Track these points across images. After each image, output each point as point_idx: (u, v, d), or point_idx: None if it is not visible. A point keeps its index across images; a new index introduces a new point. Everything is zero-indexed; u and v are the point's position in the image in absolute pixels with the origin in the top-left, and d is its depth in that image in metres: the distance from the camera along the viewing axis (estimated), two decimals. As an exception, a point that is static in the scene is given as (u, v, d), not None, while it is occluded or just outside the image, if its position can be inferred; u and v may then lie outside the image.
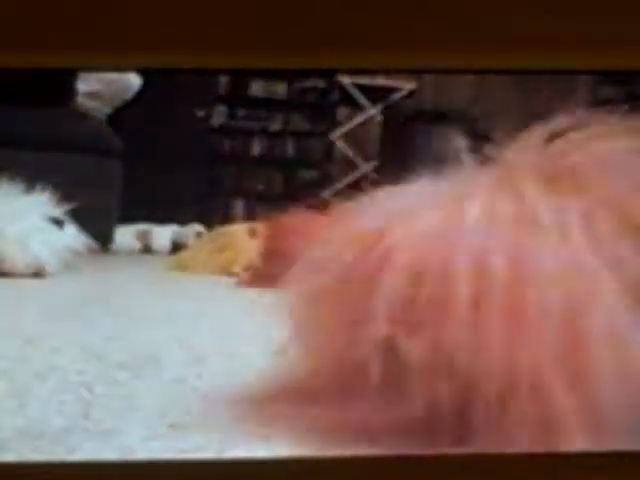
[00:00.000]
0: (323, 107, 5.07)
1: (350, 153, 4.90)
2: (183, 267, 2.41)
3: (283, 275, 0.79)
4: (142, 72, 3.18)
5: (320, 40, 0.54)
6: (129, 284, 2.11)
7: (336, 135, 4.92)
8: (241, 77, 5.08)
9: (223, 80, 5.09)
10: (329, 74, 4.84)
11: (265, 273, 1.90)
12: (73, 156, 2.92)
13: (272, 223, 2.12)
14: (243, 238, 2.39)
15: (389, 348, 0.65)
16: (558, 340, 0.61)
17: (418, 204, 0.74)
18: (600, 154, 0.71)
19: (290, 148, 5.19)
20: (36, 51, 0.54)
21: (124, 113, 3.36)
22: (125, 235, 3.20)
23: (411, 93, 4.84)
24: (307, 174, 5.14)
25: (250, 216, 4.49)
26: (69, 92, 3.08)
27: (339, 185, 4.88)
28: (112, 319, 1.42)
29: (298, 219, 1.98)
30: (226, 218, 4.43)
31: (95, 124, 3.15)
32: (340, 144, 4.93)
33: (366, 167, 4.82)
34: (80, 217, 2.18)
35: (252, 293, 1.82)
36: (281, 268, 0.75)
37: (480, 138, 2.89)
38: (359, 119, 4.89)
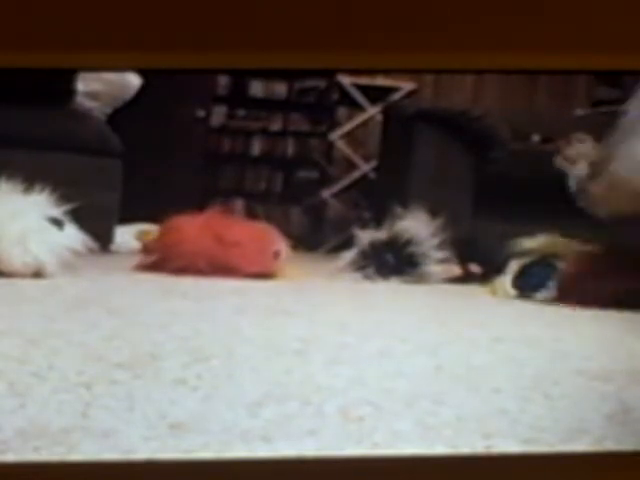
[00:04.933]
0: (323, 107, 5.06)
1: (350, 153, 4.89)
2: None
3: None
4: (142, 72, 3.18)
5: (320, 40, 0.54)
6: (129, 284, 2.11)
7: (336, 135, 4.92)
8: (241, 77, 5.08)
9: (223, 80, 5.08)
10: (329, 74, 4.83)
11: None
12: (73, 156, 2.92)
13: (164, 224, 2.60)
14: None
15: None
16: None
17: None
18: None
19: (290, 148, 5.18)
20: (36, 51, 0.54)
21: (124, 113, 3.36)
22: (125, 235, 3.20)
23: (411, 93, 4.84)
24: (307, 174, 5.14)
25: (250, 216, 4.49)
26: (69, 92, 3.08)
27: (339, 185, 4.88)
28: (112, 319, 1.41)
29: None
30: (226, 218, 4.42)
31: (95, 124, 3.14)
32: (340, 144, 4.93)
33: (366, 167, 4.82)
34: (80, 217, 2.18)
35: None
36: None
37: (480, 138, 2.89)
38: (359, 119, 4.89)
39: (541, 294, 2.34)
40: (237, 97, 5.10)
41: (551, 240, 2.45)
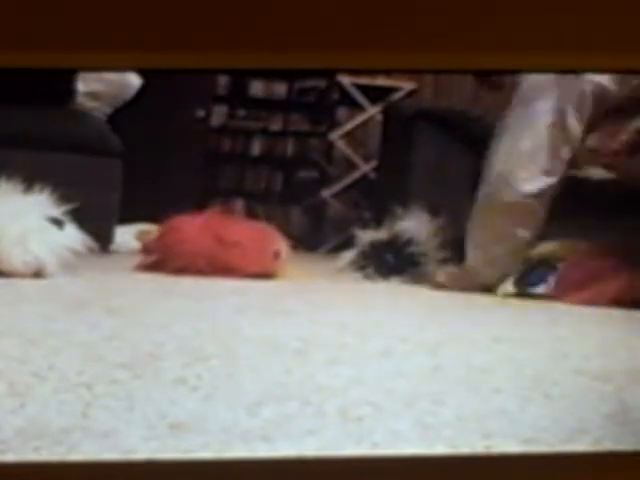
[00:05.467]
0: (323, 107, 5.07)
1: (350, 153, 4.89)
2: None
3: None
4: (142, 72, 3.18)
5: (320, 40, 0.54)
6: (129, 284, 2.11)
7: (336, 135, 4.92)
8: (241, 77, 5.08)
9: (223, 80, 5.08)
10: (329, 74, 4.84)
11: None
12: (73, 156, 2.92)
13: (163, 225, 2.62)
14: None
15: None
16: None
17: None
18: None
19: (290, 148, 5.18)
20: (36, 51, 0.54)
21: (124, 113, 3.36)
22: (125, 235, 3.20)
23: (411, 93, 4.84)
24: (307, 174, 5.14)
25: (250, 216, 4.49)
26: (69, 92, 3.08)
27: (339, 185, 4.88)
28: (112, 319, 1.41)
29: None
30: (226, 218, 4.42)
31: (95, 124, 3.14)
32: (340, 144, 4.93)
33: (366, 167, 4.82)
34: (80, 217, 2.18)
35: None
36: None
37: (480, 138, 2.87)
38: (359, 119, 4.89)
39: (541, 294, 2.34)
40: (237, 97, 5.11)
41: (553, 244, 2.44)
